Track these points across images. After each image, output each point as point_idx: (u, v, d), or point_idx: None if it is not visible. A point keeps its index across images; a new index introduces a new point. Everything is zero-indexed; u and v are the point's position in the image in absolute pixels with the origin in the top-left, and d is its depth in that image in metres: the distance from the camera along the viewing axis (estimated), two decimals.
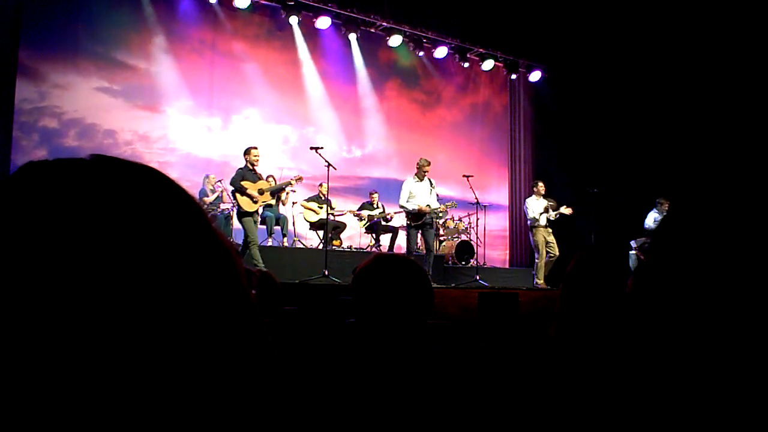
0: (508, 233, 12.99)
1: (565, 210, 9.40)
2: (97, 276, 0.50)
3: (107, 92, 9.67)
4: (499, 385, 1.44)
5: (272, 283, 3.49)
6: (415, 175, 8.53)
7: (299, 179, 8.48)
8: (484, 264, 10.61)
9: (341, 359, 1.59)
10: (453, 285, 8.69)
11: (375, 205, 10.66)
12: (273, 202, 9.06)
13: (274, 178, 9.32)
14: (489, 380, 1.49)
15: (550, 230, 9.41)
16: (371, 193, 10.80)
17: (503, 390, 1.41)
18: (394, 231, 10.55)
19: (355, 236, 10.84)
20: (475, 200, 9.28)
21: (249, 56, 10.83)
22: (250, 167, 7.84)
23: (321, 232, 9.47)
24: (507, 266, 12.45)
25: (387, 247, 10.38)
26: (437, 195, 8.74)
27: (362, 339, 1.62)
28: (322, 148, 7.91)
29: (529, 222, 9.54)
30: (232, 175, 7.81)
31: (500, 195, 12.99)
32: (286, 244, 9.39)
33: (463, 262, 10.35)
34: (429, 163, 8.53)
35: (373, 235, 10.49)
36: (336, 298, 5.75)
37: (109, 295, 0.50)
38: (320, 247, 9.09)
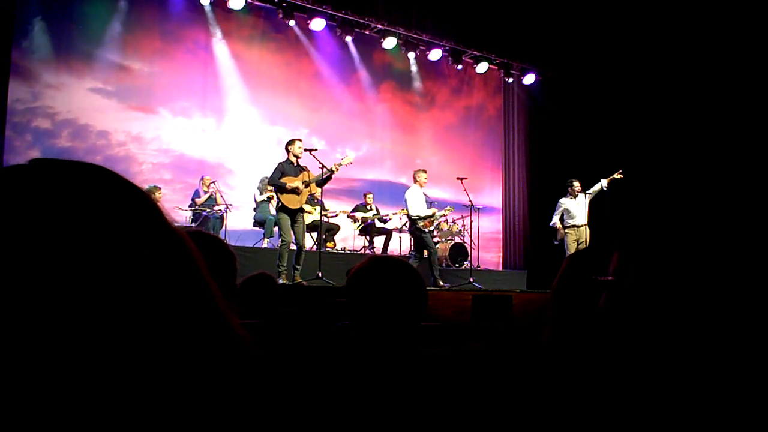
0: (501, 236, 13.01)
1: (617, 175, 9.48)
2: (39, 276, 0.50)
3: (101, 93, 9.64)
4: (492, 388, 1.44)
5: (271, 284, 3.48)
6: (419, 183, 8.79)
7: (349, 162, 7.81)
8: (477, 266, 10.62)
9: (335, 361, 1.59)
10: (447, 287, 8.70)
11: (369, 207, 10.66)
12: (275, 201, 9.01)
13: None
14: (482, 383, 1.49)
15: (583, 232, 9.42)
16: (365, 195, 10.80)
17: (496, 393, 1.41)
18: (388, 233, 10.55)
19: (348, 238, 10.83)
20: (469, 203, 9.29)
21: (243, 57, 10.82)
22: (292, 161, 7.48)
23: (315, 234, 9.46)
24: (500, 269, 12.47)
25: (381, 249, 10.38)
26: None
27: (356, 341, 1.62)
28: (316, 150, 7.89)
29: (553, 224, 9.61)
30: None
31: (494, 197, 13.01)
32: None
33: (457, 265, 10.36)
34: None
35: (367, 237, 10.49)
36: (330, 300, 5.75)
37: (49, 293, 0.50)
38: (314, 248, 9.08)
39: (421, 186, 8.76)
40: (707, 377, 0.68)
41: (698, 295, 0.70)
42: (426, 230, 8.69)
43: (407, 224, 10.92)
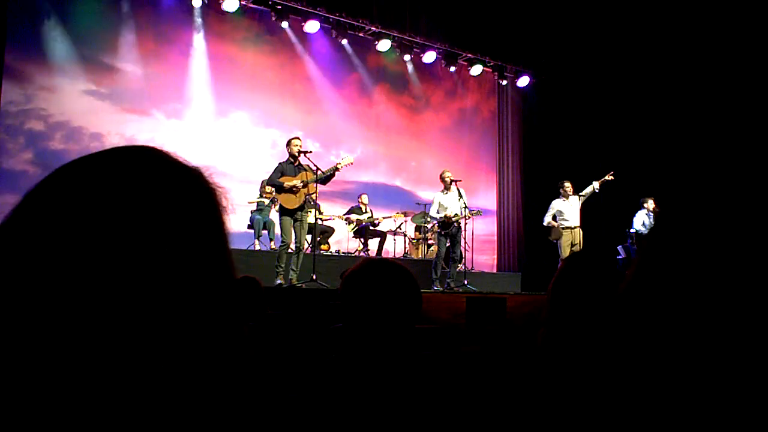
0: (496, 238, 13.02)
1: (608, 177, 9.54)
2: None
3: (94, 95, 9.61)
4: (486, 390, 1.44)
5: (256, 287, 3.49)
6: (442, 184, 8.94)
7: (350, 163, 7.72)
8: (472, 269, 10.61)
9: (329, 364, 1.58)
10: (441, 289, 8.70)
11: (364, 210, 10.65)
12: (267, 201, 9.01)
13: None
14: (477, 385, 1.49)
15: (577, 233, 9.49)
16: (360, 197, 10.80)
17: (491, 395, 1.41)
18: (382, 235, 10.54)
19: (343, 240, 10.82)
20: (464, 205, 9.29)
21: (237, 60, 10.81)
22: (292, 160, 7.40)
23: (309, 237, 9.44)
24: (495, 271, 12.48)
25: (375, 252, 10.37)
26: (464, 203, 9.01)
27: (350, 344, 1.62)
28: (310, 152, 7.86)
29: (547, 224, 9.68)
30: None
31: (488, 200, 13.02)
32: (273, 247, 9.36)
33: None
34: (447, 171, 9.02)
35: (362, 239, 10.48)
36: (324, 303, 5.74)
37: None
38: (308, 251, 9.07)
39: (445, 186, 8.87)
40: (705, 376, 0.68)
41: (691, 295, 0.70)
42: (442, 232, 8.76)
43: (401, 226, 10.98)
